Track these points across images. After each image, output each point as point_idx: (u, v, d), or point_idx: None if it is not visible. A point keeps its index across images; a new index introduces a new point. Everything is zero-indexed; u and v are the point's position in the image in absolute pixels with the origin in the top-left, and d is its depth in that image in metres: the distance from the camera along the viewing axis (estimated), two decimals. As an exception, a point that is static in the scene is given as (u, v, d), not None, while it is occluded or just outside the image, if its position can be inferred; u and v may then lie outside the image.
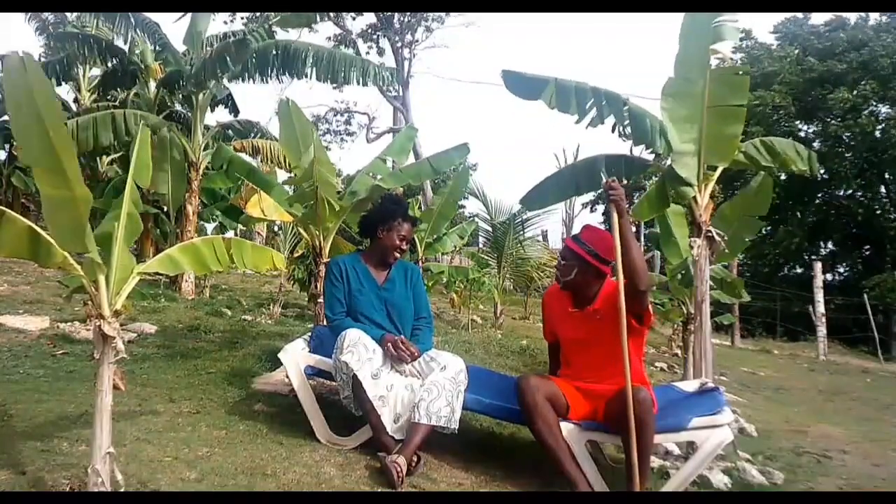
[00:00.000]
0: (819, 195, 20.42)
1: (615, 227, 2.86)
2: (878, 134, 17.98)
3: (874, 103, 18.30)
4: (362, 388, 3.07)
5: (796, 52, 19.19)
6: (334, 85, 9.65)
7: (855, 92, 17.63)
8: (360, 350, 3.11)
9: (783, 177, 16.57)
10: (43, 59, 9.51)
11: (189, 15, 8.08)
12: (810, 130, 20.23)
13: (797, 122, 19.92)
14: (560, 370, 3.29)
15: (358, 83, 7.66)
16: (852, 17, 20.31)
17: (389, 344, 3.23)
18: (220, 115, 11.22)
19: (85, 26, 10.52)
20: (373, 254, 3.53)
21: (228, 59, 7.22)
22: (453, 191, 8.34)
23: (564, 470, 2.92)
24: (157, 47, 8.78)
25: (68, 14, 10.81)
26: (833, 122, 18.56)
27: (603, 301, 3.12)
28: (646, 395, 2.83)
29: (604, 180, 2.98)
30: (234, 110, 10.45)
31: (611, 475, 3.09)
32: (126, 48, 9.03)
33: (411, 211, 5.87)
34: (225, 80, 8.40)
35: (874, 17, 19.91)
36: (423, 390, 3.10)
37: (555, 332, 3.35)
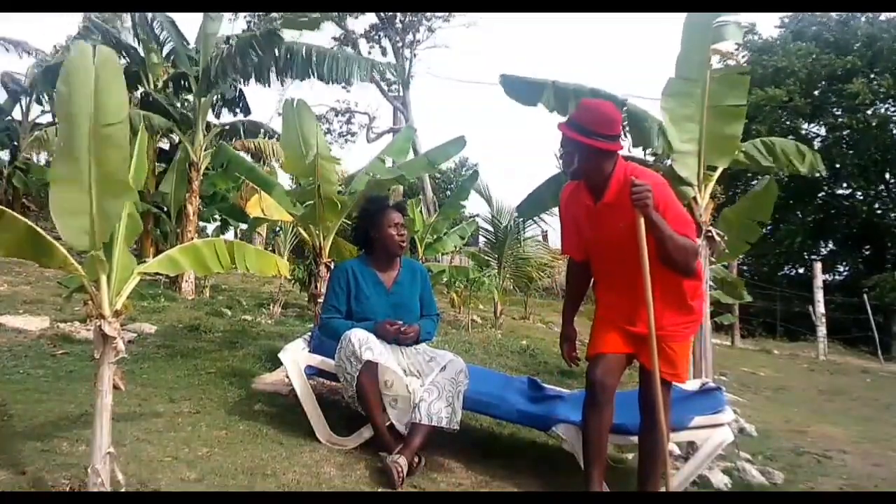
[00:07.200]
0: (820, 194, 20.36)
1: (642, 237, 2.48)
2: (881, 132, 17.91)
3: (880, 101, 18.20)
4: (370, 387, 3.05)
5: (811, 45, 18.98)
6: (342, 85, 9.64)
7: (868, 87, 17.46)
8: (375, 348, 3.13)
9: (784, 174, 16.45)
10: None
11: (201, 15, 8.07)
12: (813, 129, 20.14)
13: (800, 120, 19.81)
14: (596, 302, 2.91)
15: (361, 80, 7.63)
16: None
17: (385, 325, 3.25)
18: (227, 115, 11.19)
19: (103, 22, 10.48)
20: (377, 256, 3.51)
21: (246, 57, 7.06)
22: (458, 192, 8.37)
23: (590, 471, 2.74)
24: (165, 48, 8.76)
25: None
26: (842, 117, 18.39)
27: (615, 192, 2.62)
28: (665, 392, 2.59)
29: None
30: (246, 111, 10.39)
31: (611, 475, 3.09)
32: (139, 48, 9.02)
33: (410, 210, 5.84)
34: (231, 81, 8.35)
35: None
36: (424, 391, 3.09)
37: (576, 240, 2.88)
